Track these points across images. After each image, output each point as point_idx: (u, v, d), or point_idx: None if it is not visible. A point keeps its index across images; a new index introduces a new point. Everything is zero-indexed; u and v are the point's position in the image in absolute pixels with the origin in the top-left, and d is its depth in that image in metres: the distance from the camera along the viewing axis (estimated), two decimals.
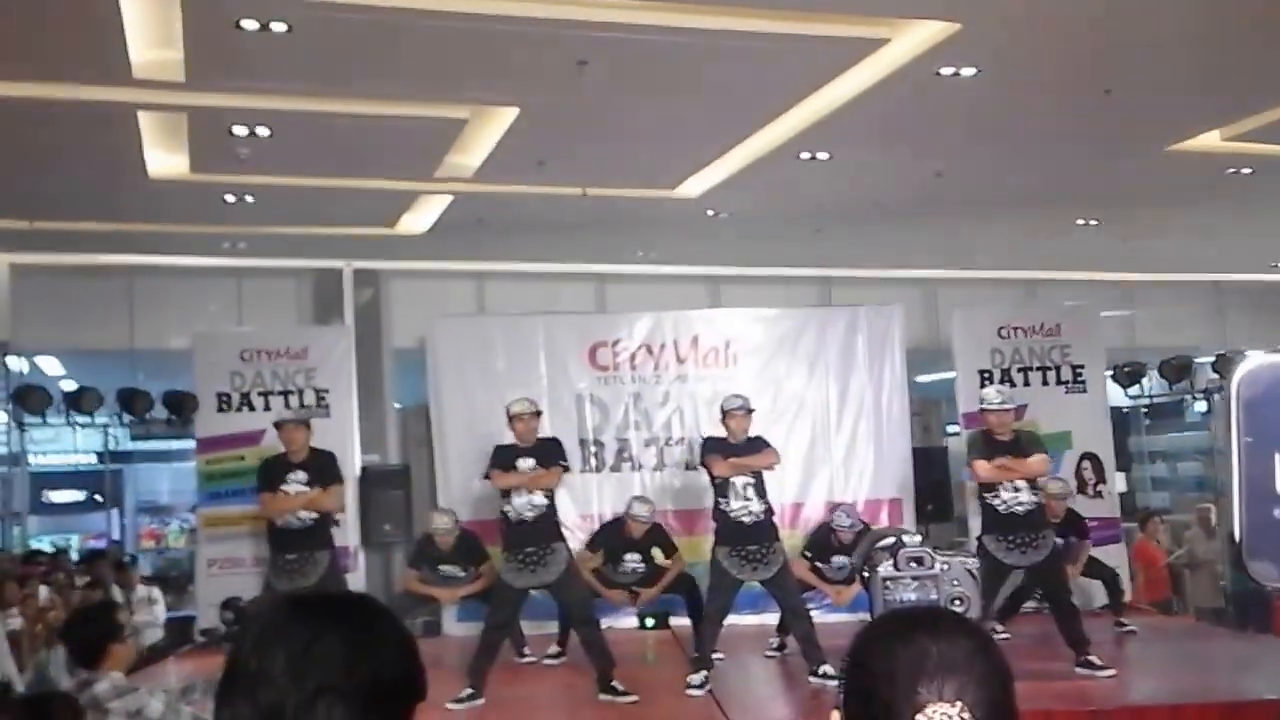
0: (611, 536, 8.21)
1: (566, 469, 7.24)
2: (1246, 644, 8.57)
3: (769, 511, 7.05)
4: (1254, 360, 1.39)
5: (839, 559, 8.03)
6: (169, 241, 11.10)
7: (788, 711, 6.19)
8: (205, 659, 7.88)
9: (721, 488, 6.98)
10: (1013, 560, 7.03)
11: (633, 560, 8.09)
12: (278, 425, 7.77)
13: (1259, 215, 10.95)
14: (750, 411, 7.19)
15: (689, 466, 9.56)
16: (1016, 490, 6.95)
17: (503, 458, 7.01)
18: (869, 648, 1.28)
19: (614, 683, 6.66)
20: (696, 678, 6.70)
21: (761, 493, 6.99)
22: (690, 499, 9.14)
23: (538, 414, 7.24)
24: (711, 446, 7.21)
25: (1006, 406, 7.18)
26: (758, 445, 7.11)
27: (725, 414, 7.19)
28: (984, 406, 7.24)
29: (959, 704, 1.20)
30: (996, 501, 7.00)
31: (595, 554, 8.17)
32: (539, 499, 6.85)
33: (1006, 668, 1.28)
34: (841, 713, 1.28)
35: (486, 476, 7.14)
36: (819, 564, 8.11)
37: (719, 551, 6.98)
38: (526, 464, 6.92)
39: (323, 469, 7.51)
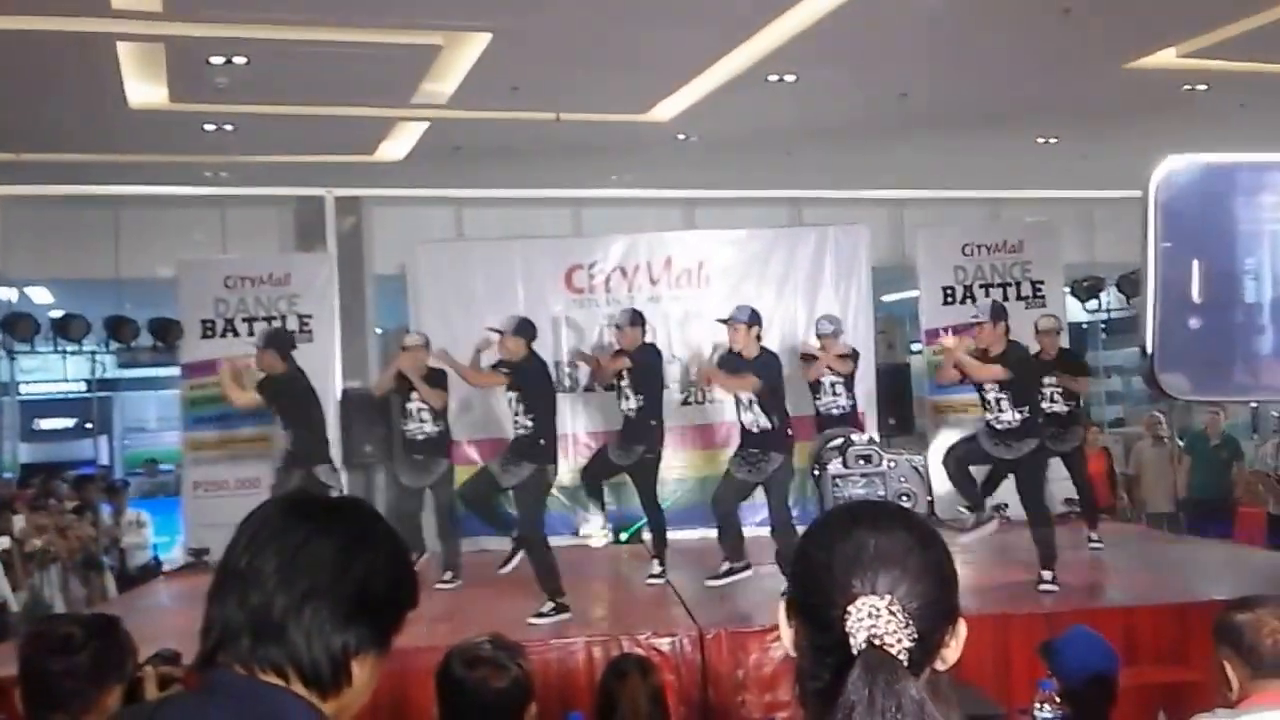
0: None
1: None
2: (1196, 548, 8.89)
3: (442, 433, 8.09)
4: (1174, 161, 1.32)
5: (830, 377, 8.40)
6: (152, 171, 11.21)
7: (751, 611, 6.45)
8: (195, 578, 8.08)
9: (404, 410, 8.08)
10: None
11: None
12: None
13: (1214, 132, 11.17)
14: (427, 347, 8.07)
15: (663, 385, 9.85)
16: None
17: None
18: (813, 540, 1.30)
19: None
20: (656, 567, 7.60)
21: (437, 417, 7.99)
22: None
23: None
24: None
25: None
26: (434, 379, 8.00)
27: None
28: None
29: (889, 597, 1.19)
30: None
31: None
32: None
33: (947, 563, 1.27)
34: (786, 602, 1.31)
35: None
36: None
37: None
38: None
39: None
